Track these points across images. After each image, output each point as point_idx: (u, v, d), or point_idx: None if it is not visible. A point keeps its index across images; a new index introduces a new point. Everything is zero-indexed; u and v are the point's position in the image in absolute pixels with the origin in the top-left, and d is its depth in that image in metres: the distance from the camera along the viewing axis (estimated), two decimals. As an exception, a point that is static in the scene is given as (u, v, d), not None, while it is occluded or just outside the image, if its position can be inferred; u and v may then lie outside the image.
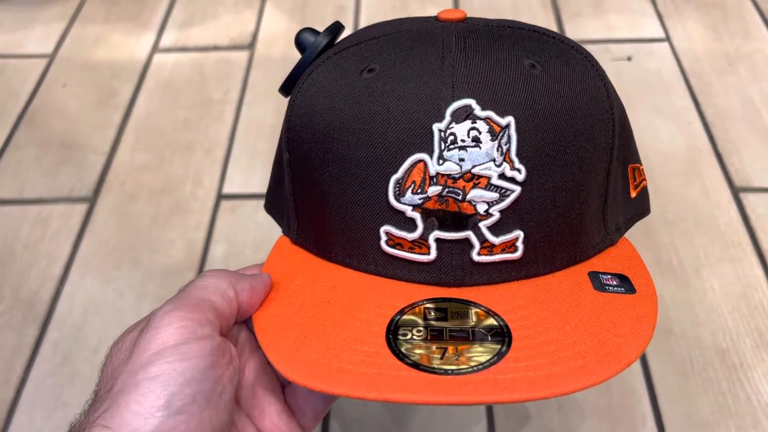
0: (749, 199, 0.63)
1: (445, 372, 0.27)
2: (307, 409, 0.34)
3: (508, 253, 0.31)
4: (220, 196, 0.66)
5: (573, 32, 0.82)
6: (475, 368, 0.28)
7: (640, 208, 0.39)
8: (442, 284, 0.32)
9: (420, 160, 0.30)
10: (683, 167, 0.66)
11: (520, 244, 0.31)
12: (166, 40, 0.85)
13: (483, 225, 0.31)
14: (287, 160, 0.35)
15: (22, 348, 0.55)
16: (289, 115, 0.35)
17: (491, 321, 0.30)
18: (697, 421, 0.49)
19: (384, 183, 0.31)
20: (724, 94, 0.74)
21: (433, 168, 0.30)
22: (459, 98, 0.30)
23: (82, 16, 0.89)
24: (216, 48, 0.83)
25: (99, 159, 0.70)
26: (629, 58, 0.78)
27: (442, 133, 0.30)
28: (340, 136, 0.32)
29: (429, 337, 0.29)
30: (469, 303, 0.31)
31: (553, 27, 0.83)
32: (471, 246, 0.31)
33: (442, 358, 0.28)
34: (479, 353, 0.28)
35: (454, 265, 0.31)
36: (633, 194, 0.37)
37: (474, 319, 0.30)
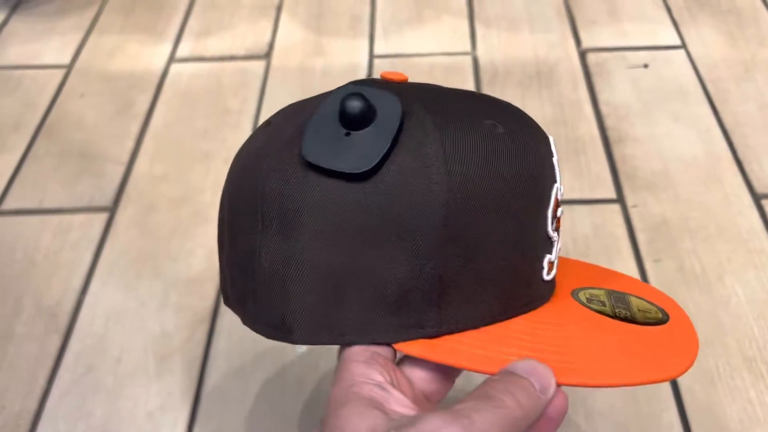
0: (771, 206, 0.63)
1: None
2: None
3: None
4: (240, 206, 0.66)
5: (588, 40, 0.83)
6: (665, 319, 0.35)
7: None
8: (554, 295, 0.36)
9: (556, 189, 0.35)
10: (703, 174, 0.66)
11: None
12: (183, 50, 0.85)
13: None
14: (451, 235, 0.30)
15: (44, 358, 0.55)
16: (446, 183, 0.30)
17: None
18: (725, 430, 0.48)
19: (544, 217, 0.34)
20: (742, 100, 0.74)
21: (559, 193, 0.35)
22: (548, 136, 0.36)
23: (99, 26, 0.90)
24: (232, 58, 0.84)
25: (118, 169, 0.71)
26: (646, 66, 0.78)
27: (556, 164, 0.35)
28: (516, 191, 0.32)
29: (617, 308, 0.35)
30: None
31: (568, 35, 0.84)
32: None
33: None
34: (655, 311, 0.35)
35: (555, 274, 0.36)
36: None
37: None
